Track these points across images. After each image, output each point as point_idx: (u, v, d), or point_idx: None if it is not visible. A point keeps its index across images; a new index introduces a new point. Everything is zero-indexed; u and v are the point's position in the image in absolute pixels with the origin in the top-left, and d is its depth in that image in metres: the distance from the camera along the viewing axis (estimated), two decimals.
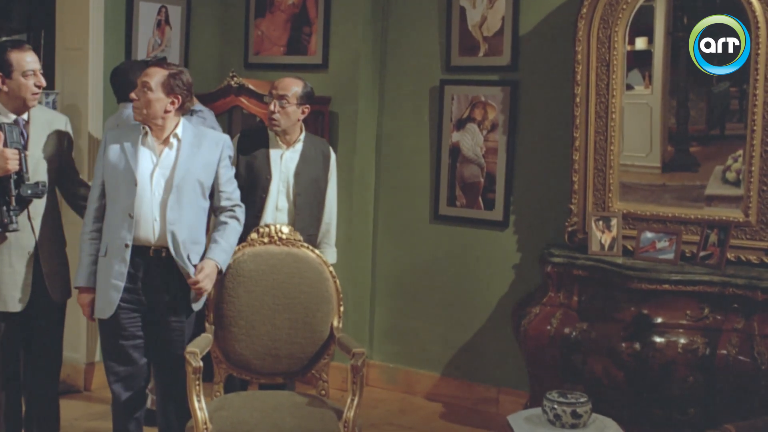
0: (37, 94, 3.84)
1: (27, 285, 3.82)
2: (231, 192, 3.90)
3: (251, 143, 4.38)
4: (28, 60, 3.80)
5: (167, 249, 3.69)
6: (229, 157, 3.92)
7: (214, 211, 3.90)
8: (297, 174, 4.36)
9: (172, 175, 3.71)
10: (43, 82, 3.86)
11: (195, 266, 3.73)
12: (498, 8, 5.18)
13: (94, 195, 3.79)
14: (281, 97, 4.29)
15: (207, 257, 3.76)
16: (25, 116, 3.86)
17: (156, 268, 3.71)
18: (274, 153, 4.36)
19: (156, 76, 3.70)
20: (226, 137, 3.98)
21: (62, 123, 4.03)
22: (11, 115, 3.83)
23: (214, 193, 3.86)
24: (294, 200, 4.35)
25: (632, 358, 4.20)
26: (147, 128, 3.73)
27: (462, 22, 5.30)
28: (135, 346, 3.78)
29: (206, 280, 3.72)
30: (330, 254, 4.46)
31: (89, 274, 3.76)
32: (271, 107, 4.31)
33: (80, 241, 3.79)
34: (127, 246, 3.65)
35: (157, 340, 3.80)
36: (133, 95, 3.73)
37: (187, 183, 3.73)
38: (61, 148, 3.97)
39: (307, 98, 4.35)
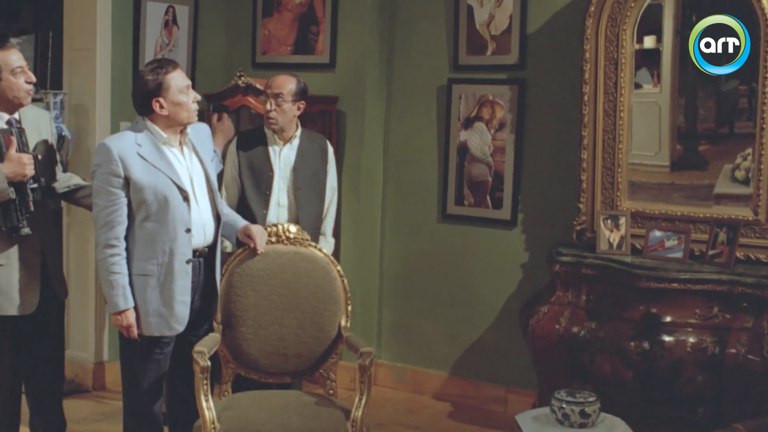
0: (30, 91, 3.75)
1: (36, 287, 3.81)
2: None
3: (249, 144, 4.42)
4: (14, 58, 3.70)
5: (210, 247, 3.71)
6: None
7: None
8: (295, 169, 4.39)
9: (207, 176, 3.72)
10: (33, 78, 3.76)
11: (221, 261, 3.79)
12: (505, 7, 5.17)
13: (120, 215, 3.52)
14: (277, 96, 4.33)
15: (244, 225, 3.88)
16: (16, 116, 3.78)
17: (200, 268, 3.70)
18: (272, 150, 4.41)
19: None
20: (205, 124, 3.99)
21: (46, 119, 3.97)
22: (4, 115, 3.74)
23: None
24: (295, 195, 4.38)
25: (641, 357, 4.19)
26: (164, 135, 3.61)
27: (469, 20, 5.29)
28: (169, 352, 3.72)
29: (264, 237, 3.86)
30: (324, 244, 4.44)
31: (130, 294, 3.56)
32: (268, 106, 4.35)
33: (108, 262, 3.52)
34: (189, 261, 3.60)
35: (186, 341, 3.72)
36: (195, 102, 3.67)
37: (214, 178, 3.78)
38: (49, 145, 3.91)
39: (301, 94, 4.39)
